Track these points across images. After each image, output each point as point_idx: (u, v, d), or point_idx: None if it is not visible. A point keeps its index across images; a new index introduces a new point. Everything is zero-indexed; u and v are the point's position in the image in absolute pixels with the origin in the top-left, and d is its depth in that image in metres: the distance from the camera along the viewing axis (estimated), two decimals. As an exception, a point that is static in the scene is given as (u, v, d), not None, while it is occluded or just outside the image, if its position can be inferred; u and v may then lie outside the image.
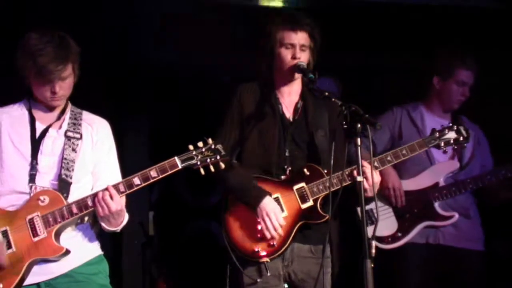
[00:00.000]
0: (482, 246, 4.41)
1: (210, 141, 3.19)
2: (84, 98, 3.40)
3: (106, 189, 3.13)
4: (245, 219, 3.52)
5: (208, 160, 3.16)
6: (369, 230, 4.14)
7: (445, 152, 4.23)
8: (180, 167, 3.15)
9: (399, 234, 4.27)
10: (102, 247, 3.40)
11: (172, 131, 5.69)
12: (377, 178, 3.43)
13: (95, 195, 3.13)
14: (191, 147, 3.18)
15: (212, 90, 5.47)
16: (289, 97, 3.67)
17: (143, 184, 3.16)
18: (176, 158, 3.16)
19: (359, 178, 3.09)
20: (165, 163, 3.16)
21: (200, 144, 3.18)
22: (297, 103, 3.66)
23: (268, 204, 3.46)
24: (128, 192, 3.16)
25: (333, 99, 3.27)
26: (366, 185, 3.27)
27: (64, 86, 3.20)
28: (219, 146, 3.18)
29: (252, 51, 3.67)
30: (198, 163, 3.16)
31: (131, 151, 5.43)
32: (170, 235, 5.95)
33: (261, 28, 3.65)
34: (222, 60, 5.49)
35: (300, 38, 3.54)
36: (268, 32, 3.60)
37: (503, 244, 5.09)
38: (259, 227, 3.47)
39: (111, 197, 3.11)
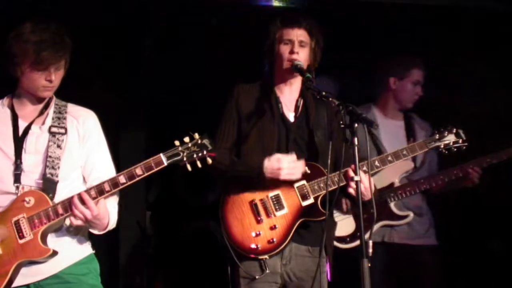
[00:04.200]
0: (434, 240, 4.54)
1: (196, 136, 3.11)
2: (83, 95, 3.39)
3: (79, 195, 3.07)
4: (244, 216, 3.51)
5: (195, 155, 3.08)
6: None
7: None
8: (165, 164, 3.07)
9: (358, 234, 4.26)
10: (99, 247, 3.35)
11: (170, 129, 5.65)
12: (372, 181, 3.38)
13: (69, 202, 3.07)
14: (177, 142, 3.09)
15: (211, 89, 5.44)
16: (290, 95, 3.67)
17: (129, 183, 3.08)
18: (161, 155, 3.08)
19: (356, 178, 3.10)
20: (151, 160, 3.08)
21: (186, 139, 3.10)
22: (297, 101, 3.65)
23: (269, 160, 3.44)
24: (113, 190, 3.10)
25: (330, 99, 3.27)
26: (361, 188, 3.23)
27: (58, 77, 3.16)
28: (205, 141, 3.10)
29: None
30: (185, 159, 3.08)
31: (127, 150, 5.39)
32: (167, 235, 5.92)
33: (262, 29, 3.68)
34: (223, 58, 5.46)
35: (298, 34, 3.57)
36: (268, 32, 3.62)
37: (498, 243, 5.17)
38: (262, 217, 3.47)
39: (84, 204, 3.06)
